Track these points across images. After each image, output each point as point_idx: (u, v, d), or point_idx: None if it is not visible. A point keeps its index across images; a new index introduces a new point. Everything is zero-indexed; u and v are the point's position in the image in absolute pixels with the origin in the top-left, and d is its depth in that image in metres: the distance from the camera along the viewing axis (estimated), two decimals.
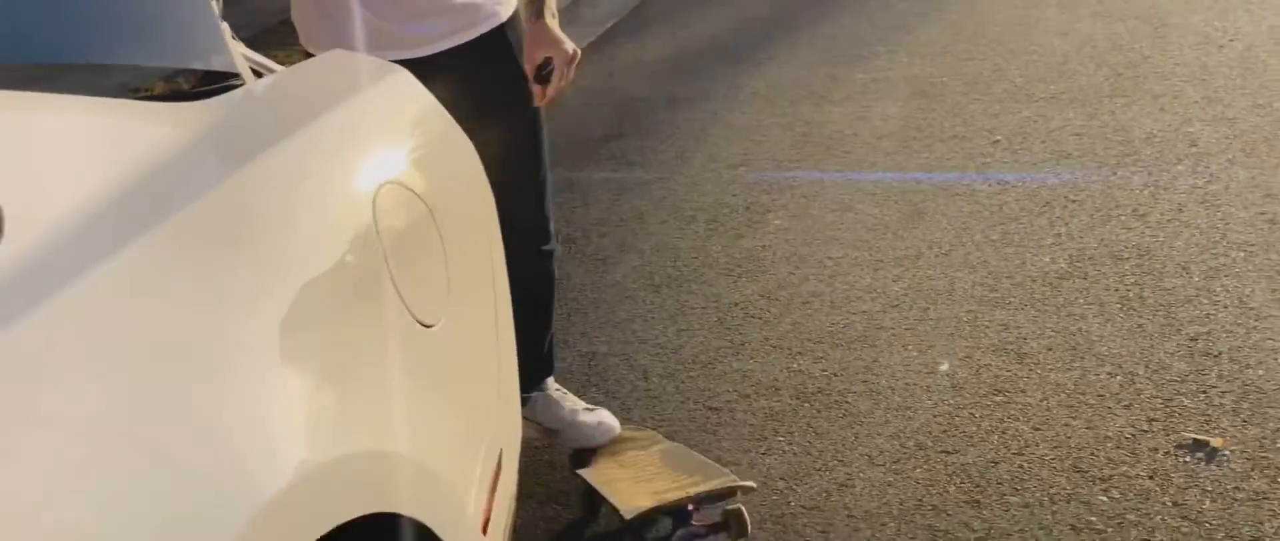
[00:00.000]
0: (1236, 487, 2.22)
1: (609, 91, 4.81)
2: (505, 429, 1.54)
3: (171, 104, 1.25)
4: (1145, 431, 2.40)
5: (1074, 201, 3.45)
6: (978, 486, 2.29)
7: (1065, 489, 2.26)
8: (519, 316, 1.72)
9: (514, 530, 1.62)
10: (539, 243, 2.32)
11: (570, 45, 2.15)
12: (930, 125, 4.18)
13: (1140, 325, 2.77)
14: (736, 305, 3.05)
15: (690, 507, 2.18)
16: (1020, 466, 2.34)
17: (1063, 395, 2.54)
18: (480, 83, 2.12)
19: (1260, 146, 3.72)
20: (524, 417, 2.41)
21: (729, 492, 2.22)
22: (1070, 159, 3.77)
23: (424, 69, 1.63)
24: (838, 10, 5.63)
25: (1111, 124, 4.02)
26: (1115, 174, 3.62)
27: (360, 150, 1.34)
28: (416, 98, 1.48)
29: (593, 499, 2.29)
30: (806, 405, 2.59)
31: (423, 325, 1.28)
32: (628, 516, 2.15)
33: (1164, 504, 2.19)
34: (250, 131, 1.27)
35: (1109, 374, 2.60)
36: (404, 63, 1.58)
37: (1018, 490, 2.27)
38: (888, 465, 2.38)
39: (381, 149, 1.40)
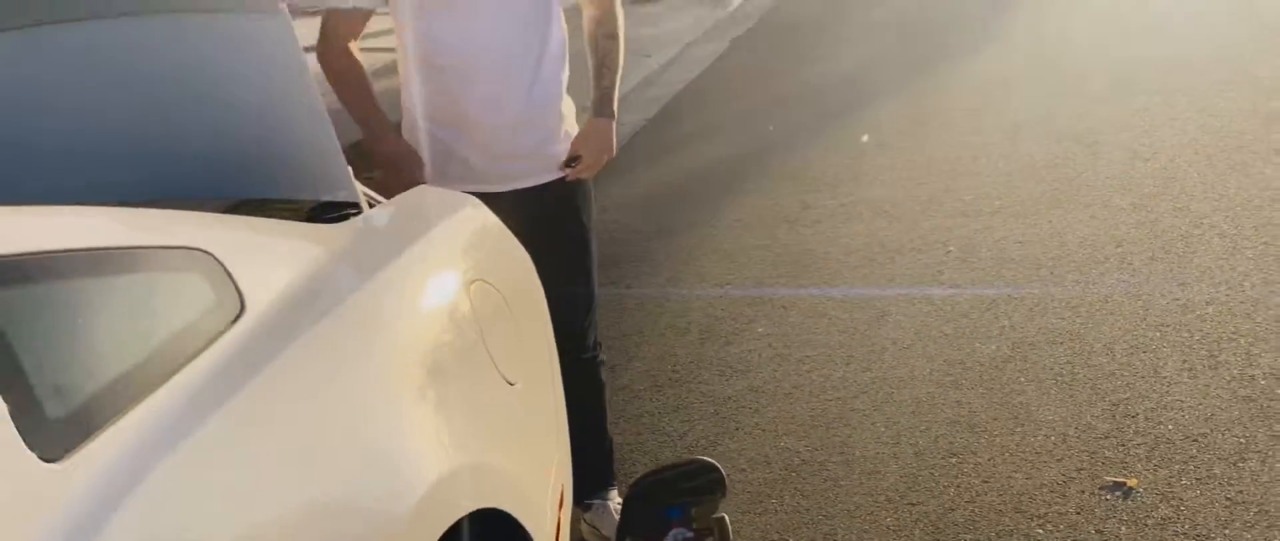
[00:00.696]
0: (1147, 516, 2.70)
1: (605, 224, 5.35)
2: (563, 470, 2.04)
3: (323, 225, 1.77)
4: (1074, 478, 2.89)
5: (1016, 298, 3.99)
6: (938, 528, 2.77)
7: (1009, 525, 2.74)
8: (574, 417, 2.18)
9: None
10: (586, 350, 2.80)
11: (606, 150, 2.67)
12: (891, 241, 4.72)
13: (1071, 395, 3.28)
14: (729, 399, 3.55)
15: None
16: (972, 511, 2.82)
17: (1006, 454, 3.03)
18: (543, 213, 2.61)
19: (1177, 244, 4.27)
20: (586, 522, 2.86)
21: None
22: (1013, 263, 4.32)
23: (494, 199, 2.17)
24: (804, 145, 6.23)
25: (1049, 232, 4.57)
26: (1052, 273, 4.16)
27: (454, 259, 1.87)
28: (487, 220, 2.02)
29: None
30: (794, 474, 3.08)
31: (508, 382, 1.79)
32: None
33: (1089, 532, 2.68)
34: (379, 247, 1.80)
35: (1045, 435, 3.10)
36: (479, 193, 2.11)
37: (971, 530, 2.75)
38: (863, 517, 2.86)
39: (468, 257, 1.92)
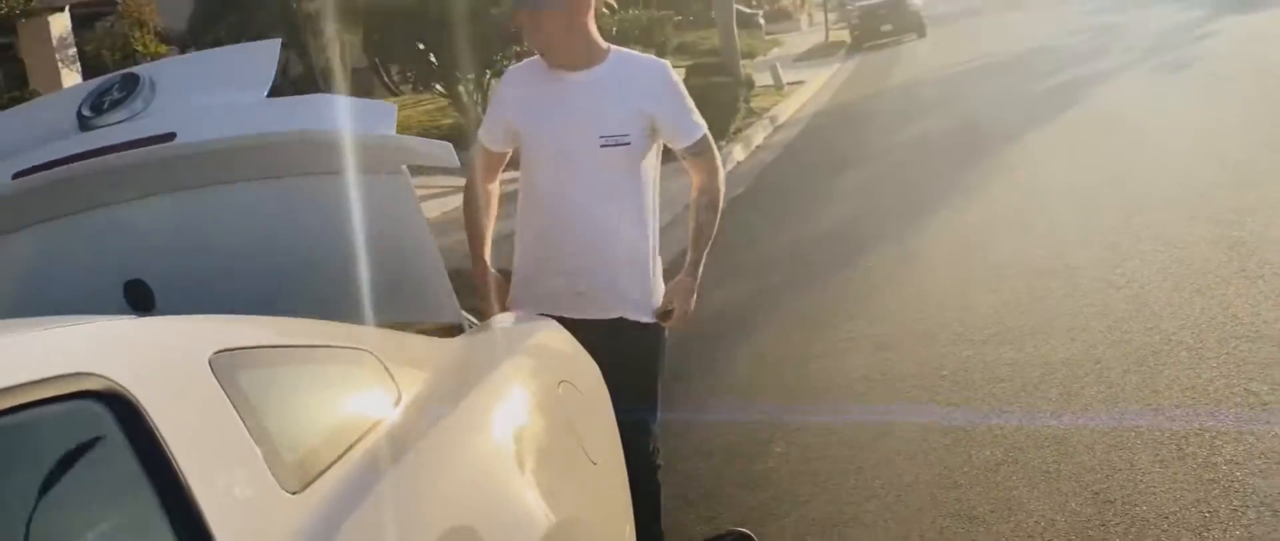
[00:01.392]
0: None
1: None
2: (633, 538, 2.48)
3: (441, 338, 2.26)
4: None
5: (1006, 411, 4.44)
6: None
7: None
8: (637, 505, 2.64)
9: None
10: (648, 451, 3.25)
11: (691, 303, 3.18)
12: (891, 370, 5.19)
13: (1057, 488, 3.71)
14: (752, 509, 3.97)
15: None
16: None
17: (1002, 540, 3.45)
18: (614, 343, 3.03)
19: (1149, 359, 4.75)
20: None
21: None
22: (1003, 383, 4.78)
23: (571, 324, 2.66)
24: (807, 287, 6.76)
25: (1034, 355, 5.05)
26: (1037, 389, 4.63)
27: (544, 366, 2.35)
28: (564, 337, 2.51)
29: None
30: None
31: (592, 462, 2.25)
32: None
33: None
34: (486, 359, 2.28)
35: (1034, 523, 3.52)
36: (559, 317, 2.61)
37: None
38: None
39: (552, 365, 2.40)
